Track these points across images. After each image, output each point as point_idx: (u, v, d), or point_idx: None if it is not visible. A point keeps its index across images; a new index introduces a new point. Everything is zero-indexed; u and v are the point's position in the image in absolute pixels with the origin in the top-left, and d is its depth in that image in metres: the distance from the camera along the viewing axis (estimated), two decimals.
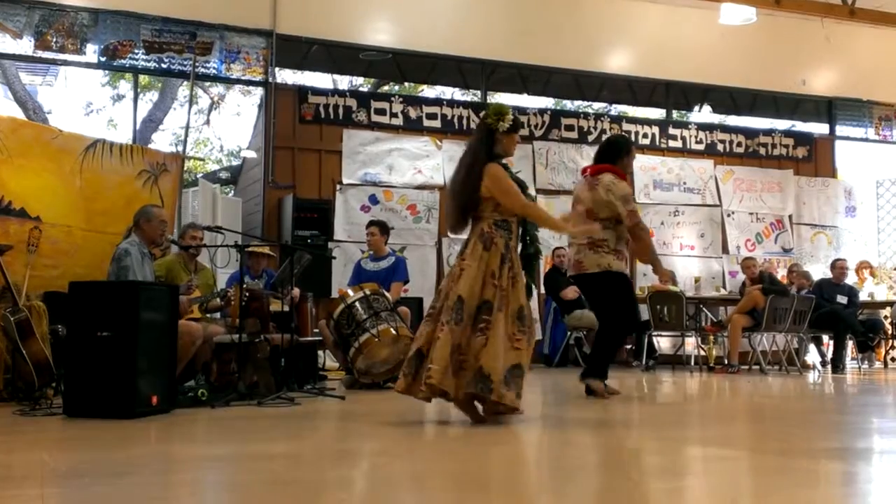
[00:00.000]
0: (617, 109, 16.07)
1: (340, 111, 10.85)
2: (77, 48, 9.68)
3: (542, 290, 10.82)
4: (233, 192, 13.85)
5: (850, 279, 11.30)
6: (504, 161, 4.94)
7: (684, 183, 12.23)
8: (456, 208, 4.82)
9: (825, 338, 11.07)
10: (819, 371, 10.53)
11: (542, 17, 11.21)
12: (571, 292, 10.47)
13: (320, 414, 5.42)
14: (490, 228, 4.67)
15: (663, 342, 11.30)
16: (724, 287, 11.82)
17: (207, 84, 16.73)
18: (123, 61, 9.98)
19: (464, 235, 4.93)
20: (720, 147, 12.60)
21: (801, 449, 3.90)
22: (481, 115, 5.27)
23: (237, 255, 6.35)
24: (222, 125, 19.50)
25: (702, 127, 12.67)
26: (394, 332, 6.77)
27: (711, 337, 10.41)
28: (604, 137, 11.89)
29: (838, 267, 10.90)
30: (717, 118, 14.00)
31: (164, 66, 10.13)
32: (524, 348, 4.55)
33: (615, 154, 6.32)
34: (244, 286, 6.08)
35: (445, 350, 4.41)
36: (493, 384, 4.36)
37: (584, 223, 5.94)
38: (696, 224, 12.21)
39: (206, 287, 6.76)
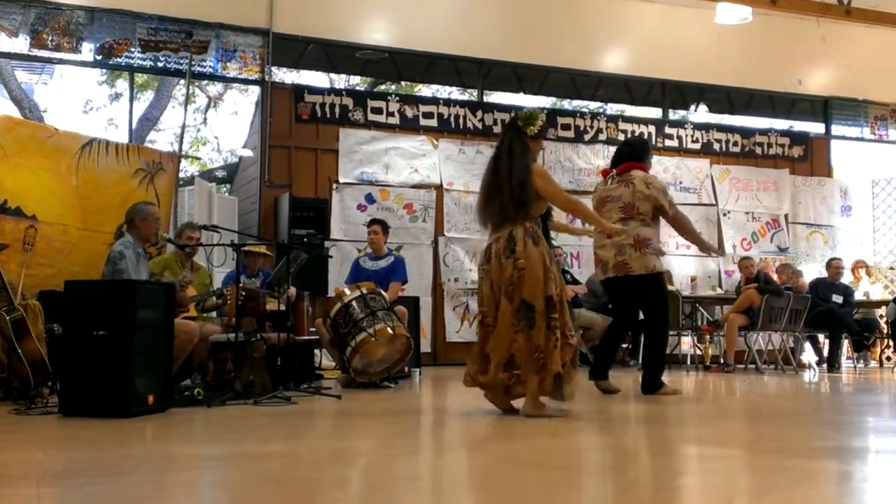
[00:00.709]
0: (613, 109, 16.08)
1: (337, 110, 10.84)
2: (73, 47, 9.66)
3: None
4: (229, 190, 13.84)
5: (846, 278, 11.32)
6: None
7: (680, 182, 12.24)
8: (507, 202, 4.84)
9: (821, 337, 11.08)
10: (814, 370, 10.55)
11: (538, 16, 11.21)
12: (568, 290, 10.46)
13: (317, 413, 5.42)
14: (531, 225, 4.81)
15: None
16: (720, 286, 11.84)
17: (205, 83, 16.72)
18: (119, 60, 9.97)
19: (466, 235, 5.04)
20: (716, 146, 12.62)
21: (797, 448, 3.90)
22: (511, 115, 5.57)
23: (233, 254, 6.34)
24: (220, 124, 19.47)
25: (698, 126, 12.69)
26: (390, 331, 6.76)
27: (708, 336, 10.42)
28: (600, 137, 11.94)
29: (834, 266, 10.92)
30: (713, 117, 14.01)
31: (160, 64, 10.11)
32: (574, 344, 4.74)
33: (642, 153, 6.57)
34: (240, 285, 6.07)
35: (524, 357, 4.64)
36: (563, 379, 4.64)
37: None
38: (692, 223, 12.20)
39: (202, 286, 6.76)
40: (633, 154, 6.52)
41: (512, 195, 4.81)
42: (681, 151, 12.42)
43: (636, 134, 12.20)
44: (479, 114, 11.45)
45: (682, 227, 6.75)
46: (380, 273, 7.83)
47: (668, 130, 12.43)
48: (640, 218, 6.22)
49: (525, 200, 4.80)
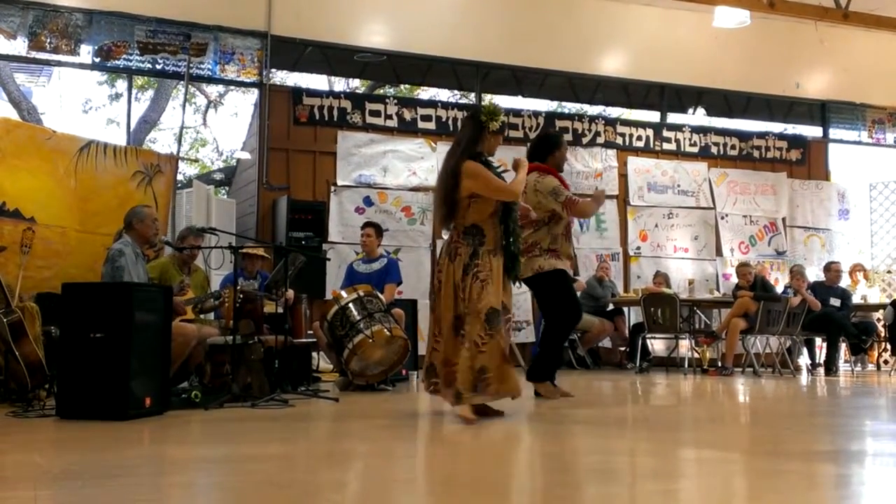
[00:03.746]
0: (612, 112, 16.09)
1: (335, 113, 10.83)
2: (71, 49, 9.65)
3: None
4: (227, 193, 13.83)
5: (844, 282, 11.33)
6: (488, 159, 4.99)
7: (678, 185, 12.24)
8: (438, 208, 4.96)
9: (818, 340, 11.09)
10: (812, 373, 10.55)
11: (537, 19, 11.22)
12: None
13: (314, 415, 5.42)
14: (458, 237, 4.82)
15: (657, 344, 11.32)
16: (718, 289, 11.84)
17: (204, 84, 16.72)
18: (118, 62, 9.96)
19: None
20: (714, 150, 12.62)
21: (795, 451, 3.91)
22: (471, 111, 5.30)
23: (231, 256, 6.34)
24: (220, 125, 19.47)
25: (696, 129, 12.69)
26: (388, 333, 6.77)
27: (705, 345, 10.41)
28: (598, 140, 11.95)
29: (833, 270, 10.91)
30: (711, 121, 14.03)
31: (158, 67, 10.10)
32: (489, 350, 4.64)
33: (545, 151, 6.20)
34: (238, 288, 6.07)
35: (440, 367, 4.80)
36: (463, 397, 4.65)
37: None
38: (689, 226, 12.22)
39: (199, 289, 6.75)
40: (533, 153, 6.21)
41: (445, 195, 4.85)
42: (679, 155, 12.42)
43: (634, 137, 12.22)
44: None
45: (584, 215, 6.62)
46: (374, 276, 7.83)
47: (665, 134, 12.44)
48: (532, 226, 5.97)
49: (453, 200, 4.79)
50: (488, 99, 12.97)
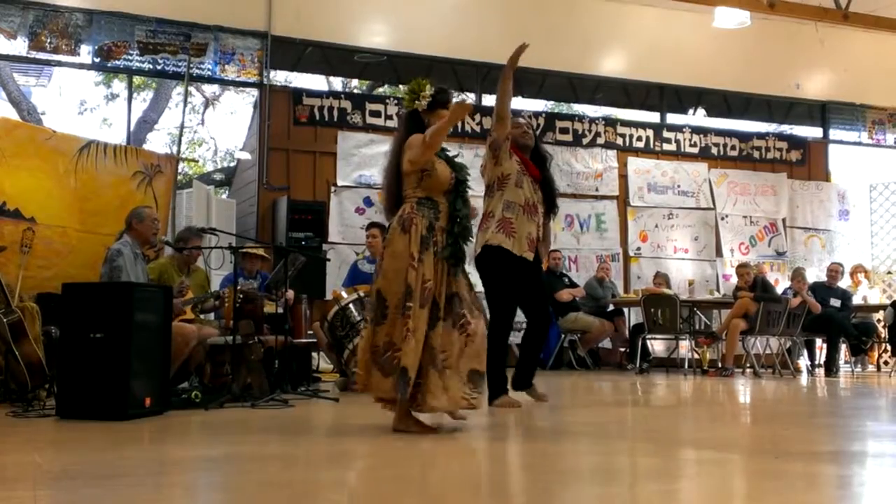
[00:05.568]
0: (612, 112, 16.07)
1: (335, 113, 10.84)
2: (71, 49, 9.66)
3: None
4: (227, 193, 13.83)
5: (845, 282, 11.33)
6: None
7: (678, 186, 12.25)
8: (384, 190, 4.54)
9: (818, 341, 11.09)
10: (812, 374, 10.55)
11: (536, 19, 11.22)
12: (566, 294, 10.49)
13: (314, 416, 5.42)
14: (411, 209, 4.28)
15: (657, 345, 11.31)
16: (718, 290, 11.84)
17: (202, 84, 16.71)
18: (118, 62, 9.96)
19: None
20: (714, 150, 12.63)
21: (795, 452, 3.90)
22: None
23: (231, 256, 6.33)
24: (218, 125, 19.46)
25: (696, 130, 12.70)
26: None
27: (705, 346, 10.41)
28: (598, 140, 11.96)
29: (832, 270, 10.93)
30: (711, 121, 14.03)
31: (158, 67, 10.11)
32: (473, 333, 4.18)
33: None
34: (238, 288, 6.06)
35: (365, 355, 4.20)
36: (409, 380, 4.04)
37: None
38: (689, 227, 12.23)
39: (199, 289, 6.75)
40: None
41: (388, 182, 4.45)
42: (679, 155, 12.43)
43: (634, 137, 12.22)
44: (478, 117, 11.46)
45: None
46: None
47: (666, 134, 12.44)
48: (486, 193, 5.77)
49: (397, 182, 4.37)
50: (488, 99, 12.96)
